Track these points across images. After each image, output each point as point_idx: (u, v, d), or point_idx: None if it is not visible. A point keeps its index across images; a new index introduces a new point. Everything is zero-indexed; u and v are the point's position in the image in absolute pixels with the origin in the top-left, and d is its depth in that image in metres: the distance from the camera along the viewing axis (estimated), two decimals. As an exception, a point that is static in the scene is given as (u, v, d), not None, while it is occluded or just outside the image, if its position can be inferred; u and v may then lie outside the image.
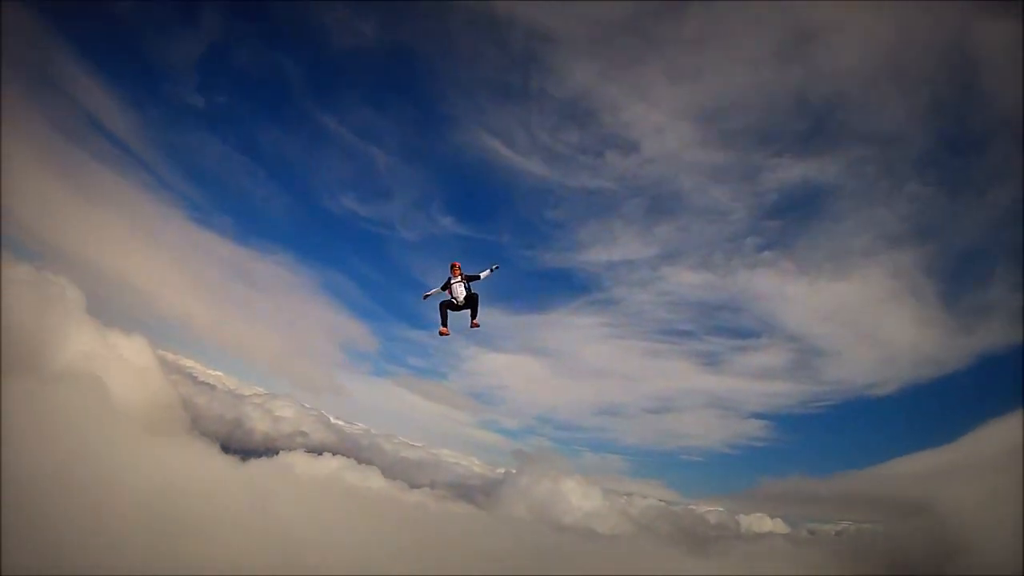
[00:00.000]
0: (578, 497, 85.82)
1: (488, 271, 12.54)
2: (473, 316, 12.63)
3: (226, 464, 50.82)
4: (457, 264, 12.61)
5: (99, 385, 48.31)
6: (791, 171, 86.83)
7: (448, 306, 12.64)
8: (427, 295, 12.70)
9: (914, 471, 60.04)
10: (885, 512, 59.71)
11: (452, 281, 12.56)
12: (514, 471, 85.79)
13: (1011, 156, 62.00)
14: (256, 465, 56.23)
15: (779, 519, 73.01)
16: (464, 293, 12.50)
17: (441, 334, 12.70)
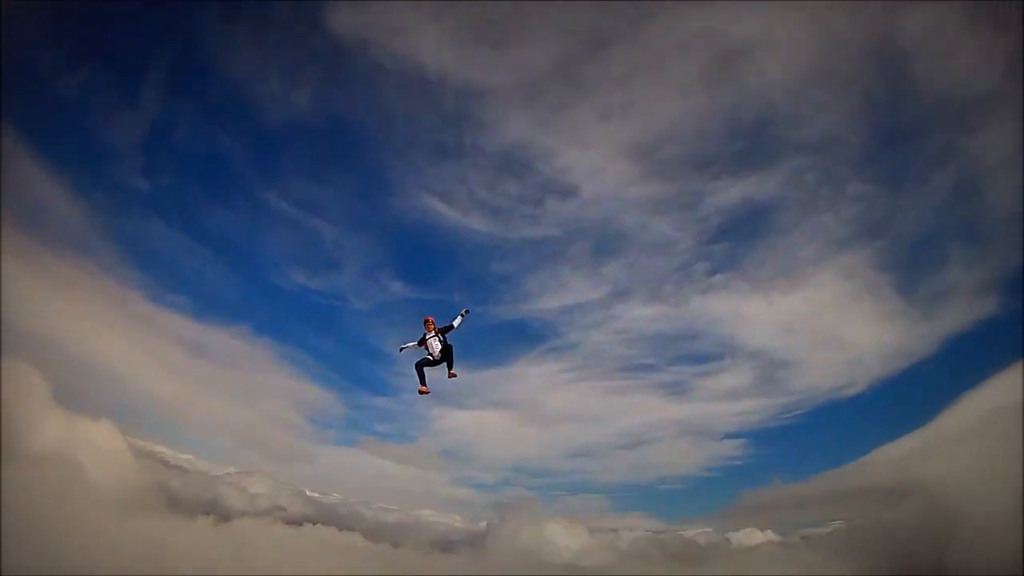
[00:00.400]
0: (564, 538, 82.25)
1: (459, 317, 12.54)
2: (450, 367, 12.56)
3: (207, 523, 50.45)
4: (431, 319, 12.75)
5: (76, 468, 48.35)
6: (731, 192, 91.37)
7: (424, 363, 12.76)
8: (403, 348, 12.92)
9: (896, 457, 60.71)
10: (875, 503, 59.69)
11: (427, 336, 12.70)
12: (496, 522, 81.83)
13: (949, 139, 67.34)
14: (239, 524, 55.14)
15: (769, 530, 71.93)
16: (439, 347, 12.55)
17: (421, 393, 12.62)
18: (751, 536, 75.00)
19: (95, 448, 54.86)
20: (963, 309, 69.71)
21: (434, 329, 12.74)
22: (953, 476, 48.10)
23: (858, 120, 77.04)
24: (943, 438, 53.35)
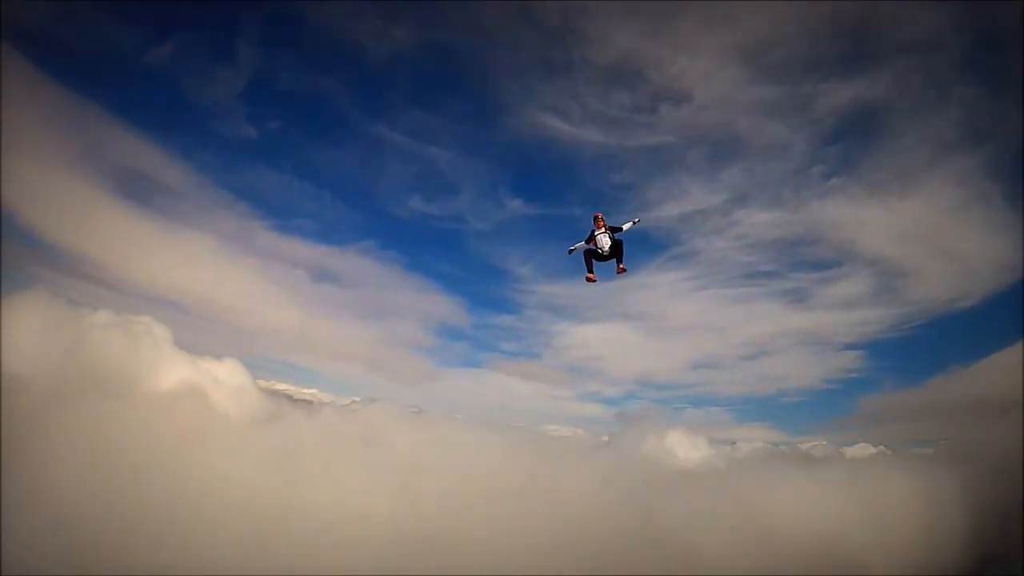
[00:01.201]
0: (685, 449, 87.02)
1: (631, 223, 12.70)
2: (619, 261, 12.84)
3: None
4: (600, 215, 12.82)
5: (203, 399, 50.94)
6: (842, 94, 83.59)
7: (593, 255, 12.89)
8: (572, 249, 12.99)
9: (1006, 366, 59.05)
10: (982, 416, 59.53)
11: (596, 233, 12.76)
12: (618, 433, 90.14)
13: None
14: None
15: (881, 445, 73.65)
16: (609, 243, 12.70)
17: (588, 280, 12.95)
18: (863, 450, 76.83)
19: (221, 385, 55.12)
20: None
21: (604, 226, 12.79)
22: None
23: (958, 23, 67.60)
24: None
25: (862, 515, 53.73)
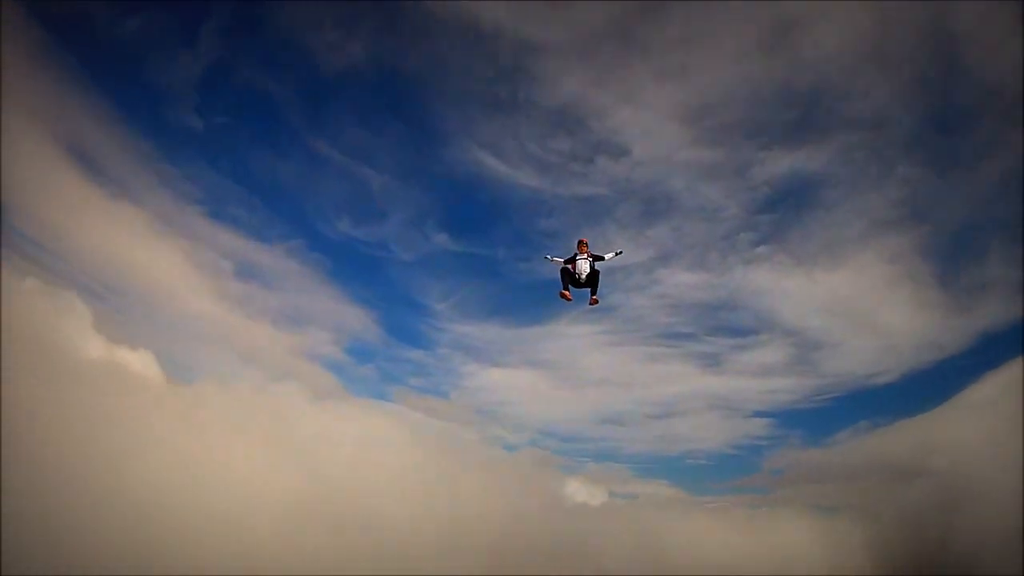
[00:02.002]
0: (583, 496, 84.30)
1: (613, 254, 12.74)
2: (593, 292, 12.85)
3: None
4: (585, 240, 12.87)
5: (111, 395, 47.11)
6: (781, 163, 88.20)
7: (569, 276, 12.81)
8: (549, 258, 13.05)
9: (911, 435, 60.48)
10: (888, 480, 60.07)
11: (578, 258, 12.75)
12: (516, 478, 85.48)
13: (999, 129, 63.59)
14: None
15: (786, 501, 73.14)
16: (587, 271, 12.66)
17: (563, 296, 12.83)
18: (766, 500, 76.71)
19: (131, 376, 52.71)
20: (999, 306, 66.79)
21: (587, 252, 12.82)
22: (964, 457, 48.32)
23: (909, 101, 72.97)
24: (958, 419, 52.91)
25: (761, 552, 55.99)
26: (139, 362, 55.60)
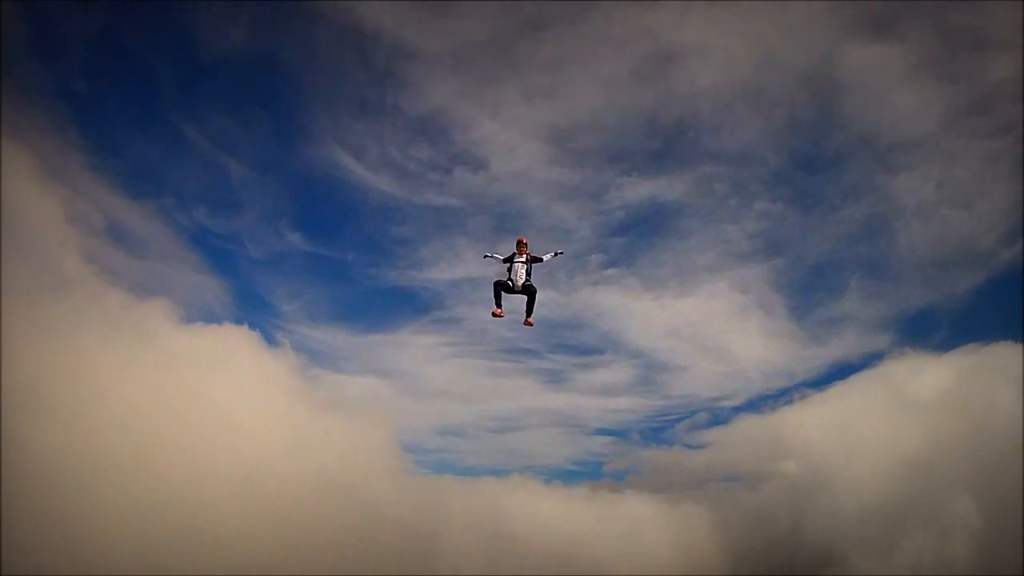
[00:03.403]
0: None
1: (552, 254, 11.91)
2: (528, 312, 11.93)
3: None
4: (524, 240, 11.96)
5: None
6: (639, 190, 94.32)
7: (503, 287, 11.86)
8: (488, 255, 12.23)
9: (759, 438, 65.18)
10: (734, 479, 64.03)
11: (516, 259, 11.84)
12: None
13: (869, 175, 71.91)
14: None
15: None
16: (523, 279, 11.78)
17: (495, 315, 11.87)
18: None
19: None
20: (853, 342, 75.13)
21: (526, 254, 11.76)
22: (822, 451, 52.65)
23: (779, 141, 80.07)
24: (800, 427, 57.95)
25: (609, 530, 57.58)
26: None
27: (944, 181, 69.06)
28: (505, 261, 11.93)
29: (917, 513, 41.46)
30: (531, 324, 11.90)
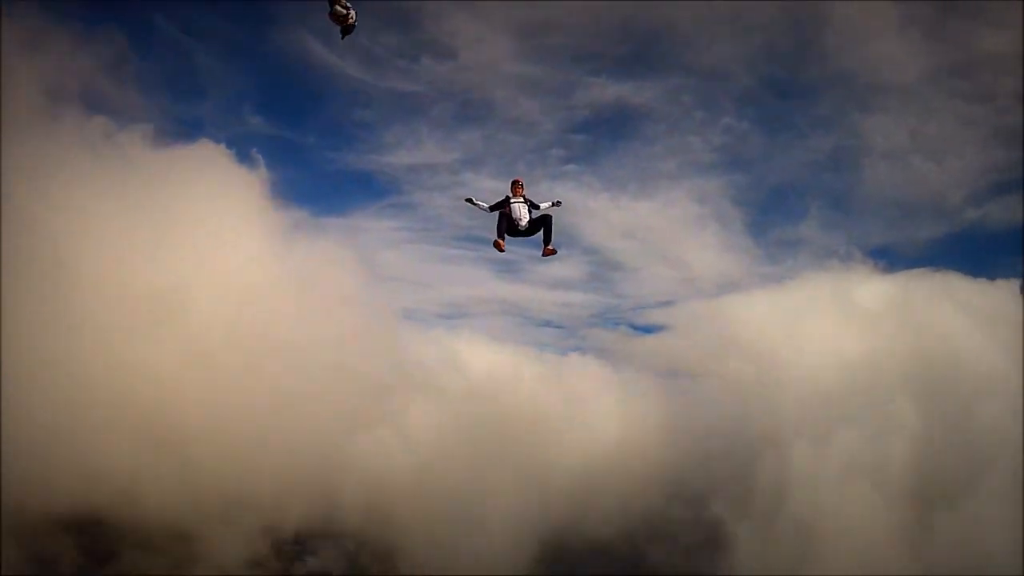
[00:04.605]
0: None
1: (549, 204, 10.54)
2: (547, 242, 10.39)
3: None
4: (520, 181, 10.59)
5: None
6: (606, 92, 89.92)
7: (510, 224, 10.18)
8: (473, 202, 10.48)
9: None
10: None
11: (512, 201, 10.27)
12: None
13: (842, 110, 69.77)
14: None
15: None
16: (527, 217, 10.18)
17: (497, 246, 10.10)
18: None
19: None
20: (808, 264, 77.33)
21: (523, 195, 9.96)
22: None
23: (753, 63, 75.88)
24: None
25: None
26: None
27: (918, 132, 70.11)
28: (493, 208, 10.51)
29: (854, 411, 46.45)
30: (553, 251, 10.65)
